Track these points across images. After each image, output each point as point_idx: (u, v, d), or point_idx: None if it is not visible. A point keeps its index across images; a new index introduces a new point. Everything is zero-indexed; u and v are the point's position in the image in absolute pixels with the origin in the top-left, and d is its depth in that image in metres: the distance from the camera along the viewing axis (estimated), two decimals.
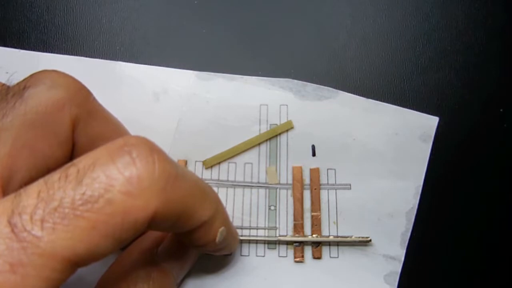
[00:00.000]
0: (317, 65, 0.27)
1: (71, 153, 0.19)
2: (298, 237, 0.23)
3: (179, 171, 0.15)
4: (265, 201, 0.24)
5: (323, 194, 0.24)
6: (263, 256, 0.23)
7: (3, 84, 0.18)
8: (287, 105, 0.25)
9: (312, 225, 0.24)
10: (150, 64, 0.26)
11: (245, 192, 0.24)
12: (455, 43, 0.27)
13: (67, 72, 0.18)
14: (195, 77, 0.26)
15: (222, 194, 0.24)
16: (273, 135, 0.25)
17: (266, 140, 0.25)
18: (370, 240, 0.23)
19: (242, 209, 0.24)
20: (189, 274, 0.23)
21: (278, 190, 0.24)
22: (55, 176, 0.13)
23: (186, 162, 0.25)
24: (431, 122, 0.25)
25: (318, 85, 0.26)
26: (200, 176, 0.25)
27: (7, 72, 0.25)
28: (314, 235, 0.24)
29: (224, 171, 0.25)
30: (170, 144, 0.25)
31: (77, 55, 0.27)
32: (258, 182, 0.25)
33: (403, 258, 0.23)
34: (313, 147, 0.25)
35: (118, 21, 0.28)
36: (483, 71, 0.26)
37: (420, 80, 0.26)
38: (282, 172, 0.25)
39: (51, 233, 0.12)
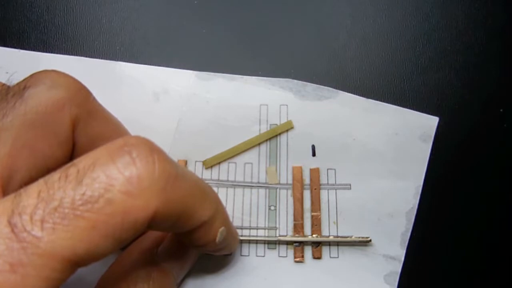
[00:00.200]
0: (317, 65, 0.27)
1: (71, 153, 0.19)
2: (298, 237, 0.23)
3: (179, 171, 0.15)
4: (265, 201, 0.24)
5: (323, 194, 0.24)
6: (263, 256, 0.23)
7: (3, 84, 0.18)
8: (287, 105, 0.25)
9: (312, 225, 0.24)
10: (150, 64, 0.26)
11: (245, 192, 0.24)
12: (455, 43, 0.27)
13: (67, 72, 0.18)
14: (195, 77, 0.26)
15: (222, 194, 0.24)
16: (273, 135, 0.25)
17: (266, 140, 0.25)
18: (370, 240, 0.23)
19: (242, 209, 0.24)
20: (189, 274, 0.23)
21: (278, 190, 0.24)
22: (55, 176, 0.13)
23: (186, 162, 0.25)
24: (431, 122, 0.25)
25: (318, 85, 0.26)
26: (200, 176, 0.25)
27: (7, 72, 0.25)
28: (314, 235, 0.24)
29: (224, 171, 0.25)
30: (170, 144, 0.25)
31: (77, 55, 0.27)
32: (258, 182, 0.25)
33: (403, 258, 0.23)
34: (313, 147, 0.25)
35: (118, 21, 0.28)
36: (483, 71, 0.26)
37: (420, 80, 0.26)
38: (282, 172, 0.25)
39: (51, 233, 0.12)
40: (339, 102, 0.26)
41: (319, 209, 0.24)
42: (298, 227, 0.24)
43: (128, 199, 0.13)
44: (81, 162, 0.14)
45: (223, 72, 0.26)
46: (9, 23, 0.28)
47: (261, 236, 0.24)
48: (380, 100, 0.26)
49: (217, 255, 0.22)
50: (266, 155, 0.25)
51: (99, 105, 0.20)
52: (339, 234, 0.24)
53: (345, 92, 0.26)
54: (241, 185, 0.24)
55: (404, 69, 0.27)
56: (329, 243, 0.24)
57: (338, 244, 0.24)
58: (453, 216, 0.24)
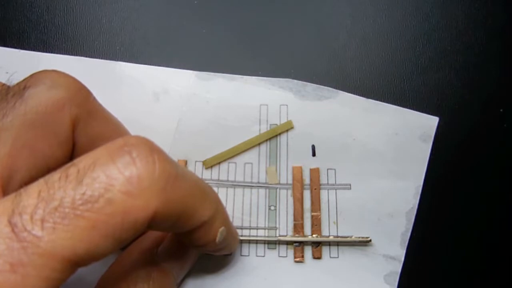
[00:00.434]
0: (317, 65, 0.27)
1: (71, 153, 0.19)
2: (298, 237, 0.23)
3: (179, 171, 0.15)
4: (265, 201, 0.24)
5: (323, 194, 0.24)
6: (263, 256, 0.23)
7: (3, 84, 0.18)
8: (287, 105, 0.25)
9: (312, 225, 0.24)
10: (150, 64, 0.26)
11: (245, 192, 0.24)
12: (455, 43, 0.27)
13: (67, 72, 0.18)
14: (195, 77, 0.26)
15: (222, 194, 0.24)
16: (273, 135, 0.25)
17: (266, 140, 0.25)
18: (370, 240, 0.23)
19: (242, 209, 0.24)
20: (189, 274, 0.23)
21: (278, 190, 0.24)
22: (55, 176, 0.13)
23: (186, 162, 0.25)
24: (431, 122, 0.25)
25: (318, 85, 0.26)
26: (200, 176, 0.25)
27: (7, 72, 0.25)
28: (314, 235, 0.24)
29: (224, 171, 0.25)
30: (170, 144, 0.25)
31: (77, 55, 0.27)
32: (258, 182, 0.25)
33: (403, 258, 0.23)
34: (313, 147, 0.25)
35: (118, 21, 0.28)
36: (483, 71, 0.26)
37: (420, 80, 0.26)
38: (282, 172, 0.25)
39: (51, 233, 0.12)
40: (339, 102, 0.26)
41: (319, 209, 0.24)
42: (298, 227, 0.24)
43: (128, 199, 0.13)
44: (81, 162, 0.14)
45: (223, 72, 0.26)
46: (9, 23, 0.28)
47: (261, 236, 0.24)
48: (380, 100, 0.26)
49: (217, 255, 0.22)
50: (266, 155, 0.25)
51: (99, 105, 0.20)
52: (339, 234, 0.24)
53: (345, 92, 0.26)
54: (241, 185, 0.24)
55: (404, 69, 0.27)
56: (329, 243, 0.24)
57: (338, 244, 0.24)
58: (453, 216, 0.24)
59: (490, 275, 0.23)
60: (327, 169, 0.25)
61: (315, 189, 0.24)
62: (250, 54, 0.27)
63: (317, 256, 0.23)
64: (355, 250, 0.23)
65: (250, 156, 0.25)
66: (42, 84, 0.17)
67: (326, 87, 0.26)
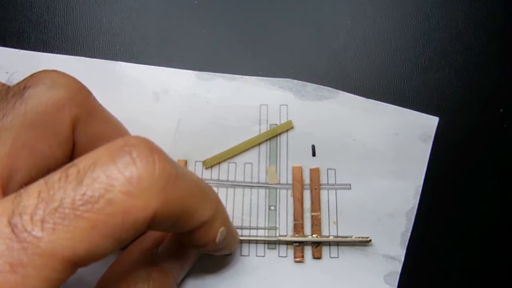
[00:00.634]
0: (317, 65, 0.27)
1: (71, 153, 0.19)
2: (298, 237, 0.23)
3: (179, 171, 0.15)
4: (265, 201, 0.24)
5: (323, 194, 0.24)
6: (263, 256, 0.23)
7: (3, 84, 0.18)
8: (287, 105, 0.25)
9: (312, 225, 0.24)
10: (150, 64, 0.26)
11: (245, 192, 0.24)
12: (455, 43, 0.27)
13: (67, 72, 0.18)
14: (195, 77, 0.26)
15: (222, 194, 0.24)
16: (273, 135, 0.25)
17: (266, 140, 0.25)
18: (370, 240, 0.23)
19: (242, 209, 0.24)
20: (189, 274, 0.23)
21: (278, 190, 0.24)
22: (55, 176, 0.13)
23: (186, 162, 0.25)
24: (431, 122, 0.25)
25: (318, 85, 0.26)
26: (200, 176, 0.25)
27: (7, 72, 0.25)
28: (314, 235, 0.24)
29: (224, 171, 0.25)
30: (170, 144, 0.25)
31: (77, 55, 0.27)
32: (258, 182, 0.25)
33: (403, 258, 0.23)
34: (313, 147, 0.25)
35: (118, 21, 0.28)
36: (483, 71, 0.26)
37: (420, 80, 0.26)
38: (282, 172, 0.25)
39: (52, 233, 0.12)
40: (339, 102, 0.26)
41: (319, 209, 0.24)
42: (298, 227, 0.24)
43: (128, 199, 0.13)
44: (82, 162, 0.14)
45: (223, 72, 0.26)
46: (9, 23, 0.28)
47: (261, 236, 0.24)
48: (380, 100, 0.26)
49: (217, 255, 0.22)
50: (266, 155, 0.25)
51: (99, 105, 0.20)
52: (339, 234, 0.24)
53: (345, 92, 0.26)
54: (241, 185, 0.24)
55: (404, 69, 0.27)
56: (329, 243, 0.24)
57: (338, 244, 0.24)
58: (453, 216, 0.24)
59: (490, 275, 0.23)
60: (327, 169, 0.25)
61: (315, 189, 0.24)
62: (250, 54, 0.27)
63: (317, 256, 0.23)
64: (355, 250, 0.23)
65: (250, 156, 0.25)
66: (42, 84, 0.17)
67: (326, 87, 0.26)
